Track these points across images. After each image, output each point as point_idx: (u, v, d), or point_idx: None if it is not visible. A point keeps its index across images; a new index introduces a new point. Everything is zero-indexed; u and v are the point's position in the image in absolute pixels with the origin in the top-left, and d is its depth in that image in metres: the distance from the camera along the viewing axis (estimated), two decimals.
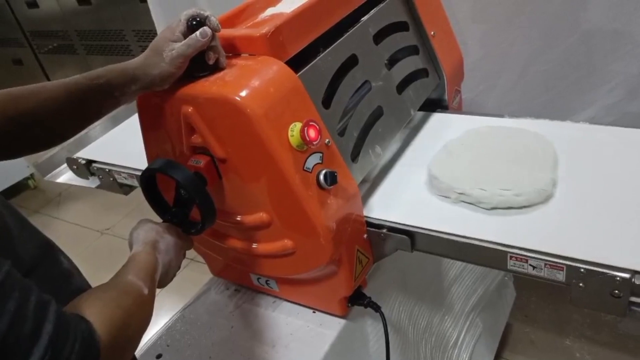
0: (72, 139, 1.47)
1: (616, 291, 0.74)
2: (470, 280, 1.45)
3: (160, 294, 1.91)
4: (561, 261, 0.77)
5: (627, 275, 0.73)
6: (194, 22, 0.80)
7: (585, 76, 1.55)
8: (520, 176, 0.91)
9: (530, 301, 1.84)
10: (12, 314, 0.45)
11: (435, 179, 0.96)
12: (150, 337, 1.09)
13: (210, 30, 0.79)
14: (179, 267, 0.82)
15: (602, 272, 0.74)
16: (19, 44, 4.18)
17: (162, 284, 0.77)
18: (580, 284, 0.76)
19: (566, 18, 1.47)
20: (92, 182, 1.39)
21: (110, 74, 0.79)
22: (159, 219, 0.84)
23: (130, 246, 0.76)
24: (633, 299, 0.75)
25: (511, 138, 1.02)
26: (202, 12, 0.81)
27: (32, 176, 3.36)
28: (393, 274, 1.14)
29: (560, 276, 0.78)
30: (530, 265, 0.80)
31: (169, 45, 0.79)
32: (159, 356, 1.02)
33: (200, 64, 0.81)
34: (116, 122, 1.57)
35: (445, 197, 0.94)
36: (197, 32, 0.78)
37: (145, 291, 0.63)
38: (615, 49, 1.47)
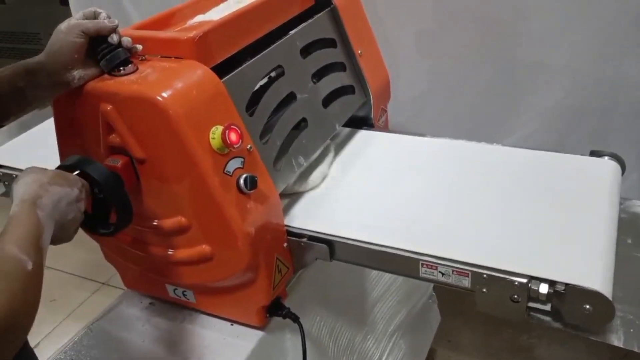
0: None
1: (515, 296, 0.85)
2: (394, 300, 1.54)
3: (66, 320, 1.84)
4: (467, 267, 0.87)
5: (524, 280, 0.83)
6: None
7: (506, 106, 1.72)
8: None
9: (454, 326, 1.95)
10: None
11: None
12: (52, 354, 1.08)
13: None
14: (80, 219, 0.78)
15: (502, 278, 0.85)
16: None
17: (61, 241, 0.75)
18: (484, 290, 0.87)
19: (492, 47, 1.64)
20: None
21: (14, 65, 0.83)
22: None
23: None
24: (531, 304, 0.86)
25: None
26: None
27: None
28: (315, 288, 1.20)
29: (466, 282, 0.88)
30: (440, 272, 0.90)
31: (66, 22, 0.85)
32: None
33: (114, 60, 0.86)
34: (25, 127, 1.56)
35: None
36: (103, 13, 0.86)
37: (30, 266, 0.60)
38: (534, 81, 1.64)
